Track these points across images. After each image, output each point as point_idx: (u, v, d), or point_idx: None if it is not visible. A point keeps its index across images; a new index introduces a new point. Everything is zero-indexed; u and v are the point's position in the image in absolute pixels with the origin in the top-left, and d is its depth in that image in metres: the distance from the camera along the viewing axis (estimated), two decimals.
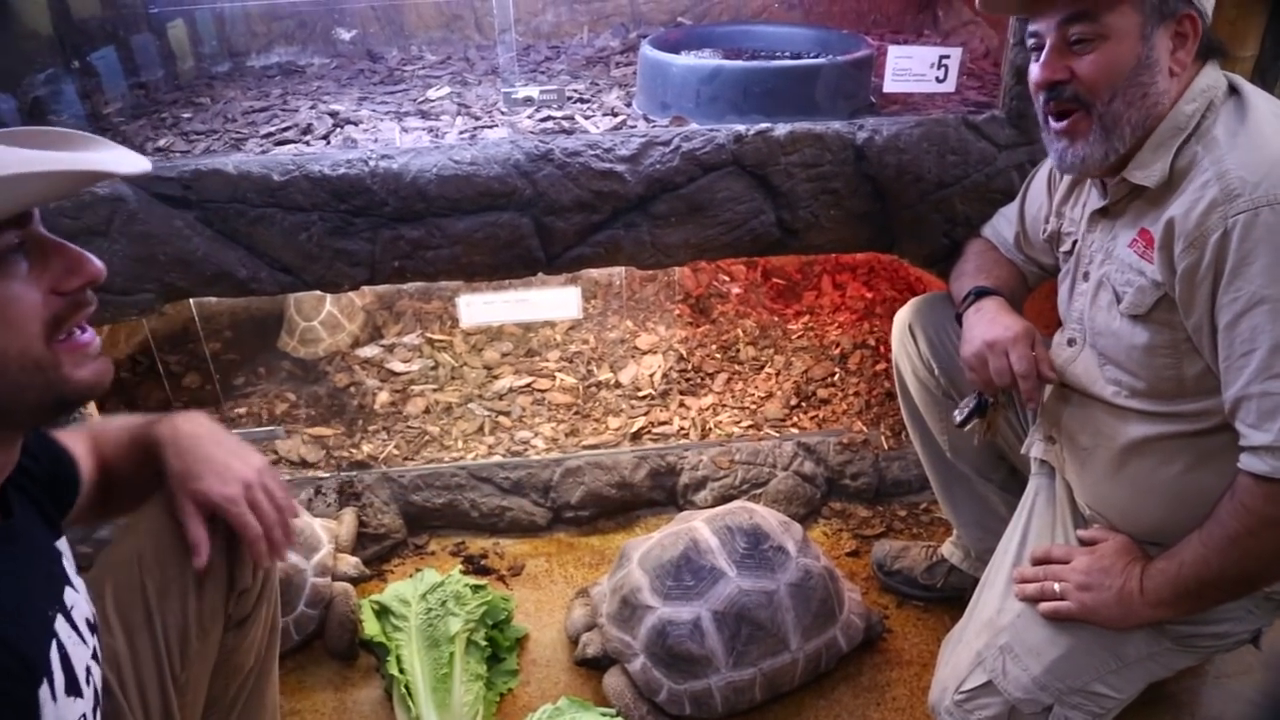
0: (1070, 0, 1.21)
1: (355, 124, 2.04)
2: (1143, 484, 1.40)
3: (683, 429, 2.37)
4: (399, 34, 2.74)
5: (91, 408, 2.01)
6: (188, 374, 2.60)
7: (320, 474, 2.23)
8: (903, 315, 1.87)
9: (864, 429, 2.33)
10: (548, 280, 1.99)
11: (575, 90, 2.23)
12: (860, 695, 1.77)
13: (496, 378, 2.57)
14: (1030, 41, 1.32)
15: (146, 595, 1.15)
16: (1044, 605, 1.43)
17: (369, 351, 2.68)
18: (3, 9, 2.33)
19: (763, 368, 2.58)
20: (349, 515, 2.07)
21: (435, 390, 2.53)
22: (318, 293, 2.54)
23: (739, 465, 2.21)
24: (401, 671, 1.67)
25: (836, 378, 2.50)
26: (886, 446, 2.29)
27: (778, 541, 1.73)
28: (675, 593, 1.67)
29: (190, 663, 1.19)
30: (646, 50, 2.01)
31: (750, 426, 2.37)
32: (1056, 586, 1.43)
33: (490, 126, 1.98)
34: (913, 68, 1.84)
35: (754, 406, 2.44)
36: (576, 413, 2.44)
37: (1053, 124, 1.31)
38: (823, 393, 2.47)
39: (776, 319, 2.75)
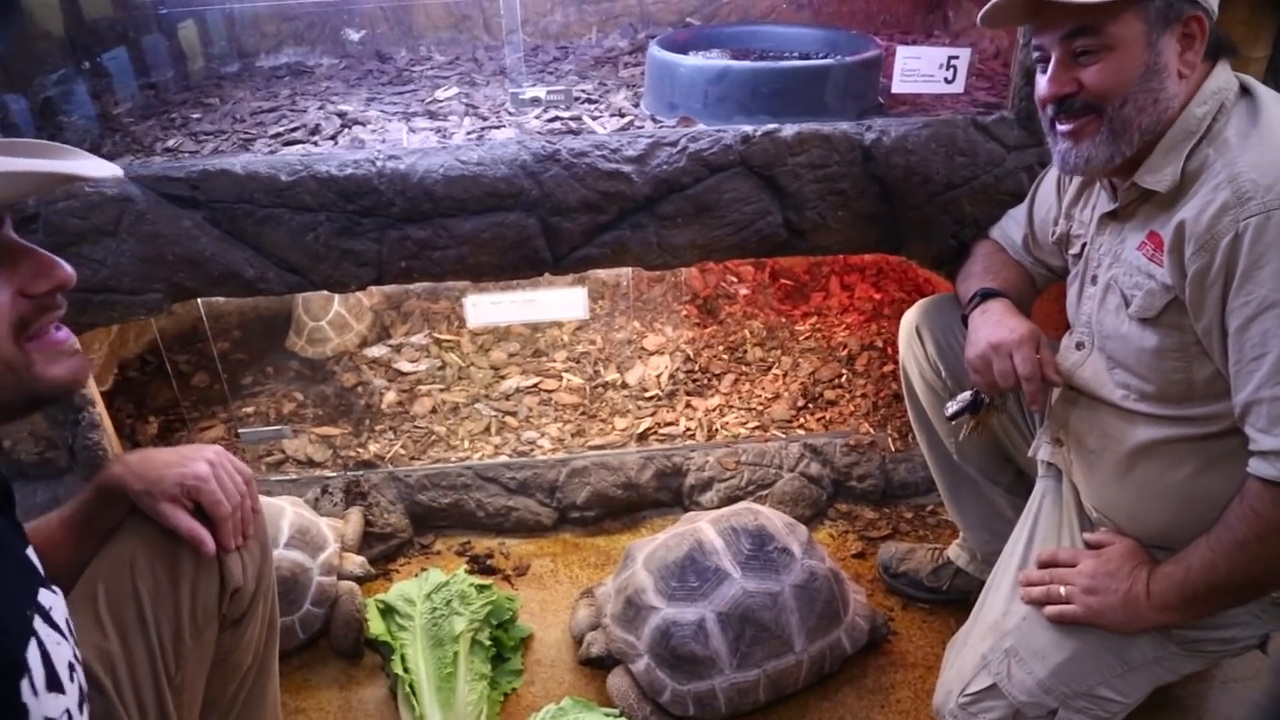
0: (1072, 15, 1.21)
1: (363, 124, 2.04)
2: (1150, 487, 1.39)
3: (689, 430, 2.37)
4: (408, 35, 2.74)
5: (105, 419, 2.02)
6: (196, 373, 2.61)
7: (327, 473, 2.24)
8: (910, 317, 1.86)
9: (871, 431, 2.32)
10: (554, 281, 1.99)
11: (583, 91, 2.23)
12: (864, 697, 1.77)
13: (503, 378, 2.58)
14: (1035, 55, 1.31)
15: (139, 596, 1.15)
16: (1049, 609, 1.42)
17: (376, 351, 2.68)
18: (16, 10, 2.35)
19: (770, 369, 2.57)
20: (355, 514, 2.08)
21: (442, 390, 2.53)
22: (326, 293, 2.56)
23: (745, 466, 2.21)
24: (406, 670, 1.67)
25: (844, 379, 2.50)
26: (893, 448, 2.28)
27: (782, 543, 1.73)
28: (680, 594, 1.67)
29: (185, 662, 1.19)
30: (654, 51, 2.01)
31: (757, 428, 2.37)
32: (1062, 590, 1.42)
33: (498, 127, 1.98)
34: (921, 68, 1.84)
35: (761, 408, 2.43)
36: (583, 413, 2.45)
37: (1059, 127, 1.31)
38: (830, 394, 2.46)
39: (784, 320, 2.75)
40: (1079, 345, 1.48)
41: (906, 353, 1.86)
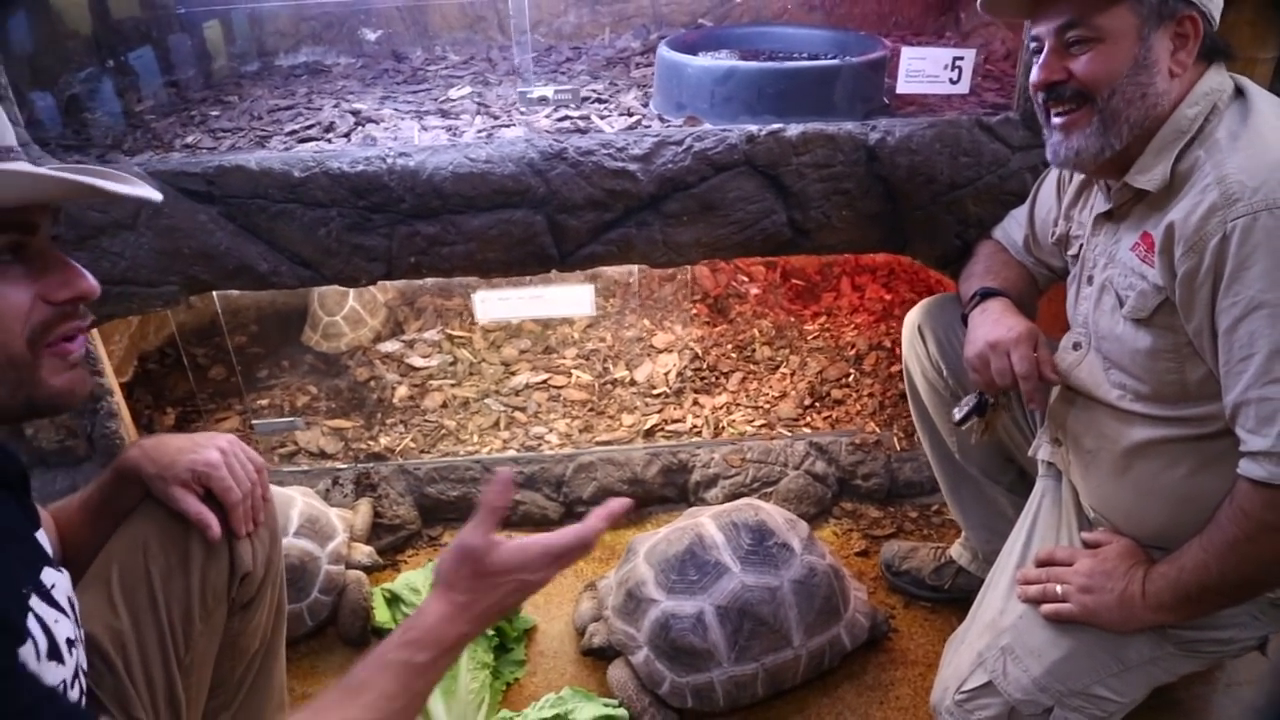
0: (1066, 5, 1.22)
1: (376, 122, 2.08)
2: (1146, 487, 1.39)
3: (695, 427, 2.39)
4: (424, 34, 2.78)
5: (123, 408, 2.07)
6: (213, 366, 2.66)
7: (338, 465, 2.28)
8: (913, 316, 1.87)
9: (877, 430, 2.33)
10: (563, 277, 2.03)
11: (594, 90, 2.26)
12: (864, 694, 1.78)
13: (514, 374, 2.61)
14: (1032, 45, 1.32)
15: (151, 578, 1.18)
16: (1045, 607, 1.42)
17: (390, 346, 2.72)
18: (46, 10, 2.41)
19: (778, 368, 2.59)
20: (364, 505, 2.11)
21: (453, 385, 2.57)
22: (341, 289, 2.61)
23: (750, 463, 2.23)
24: None
25: (851, 379, 2.51)
26: (899, 448, 2.29)
27: (782, 538, 1.74)
28: (679, 587, 1.69)
29: (194, 644, 1.22)
30: (663, 51, 2.03)
31: (763, 426, 2.39)
32: (1058, 588, 1.42)
33: (508, 126, 2.01)
34: (926, 69, 1.85)
35: (768, 406, 2.45)
36: (591, 409, 2.47)
37: (1053, 119, 1.32)
38: (837, 393, 2.47)
39: (793, 319, 2.76)
40: (1076, 345, 1.49)
41: (909, 352, 1.87)
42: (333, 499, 2.15)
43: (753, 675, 1.65)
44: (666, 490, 2.28)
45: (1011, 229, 1.77)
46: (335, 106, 2.19)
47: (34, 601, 0.93)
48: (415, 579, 1.86)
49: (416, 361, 2.66)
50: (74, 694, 0.99)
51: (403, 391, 2.53)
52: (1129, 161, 1.29)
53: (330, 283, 1.90)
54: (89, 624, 1.15)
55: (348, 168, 1.78)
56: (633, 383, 2.54)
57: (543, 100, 1.99)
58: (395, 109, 2.18)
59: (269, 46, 2.70)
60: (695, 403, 2.47)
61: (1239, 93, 1.26)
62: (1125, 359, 1.36)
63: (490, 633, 1.79)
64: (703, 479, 2.25)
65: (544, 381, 2.56)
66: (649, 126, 1.94)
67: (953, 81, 1.86)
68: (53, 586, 0.98)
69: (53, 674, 0.92)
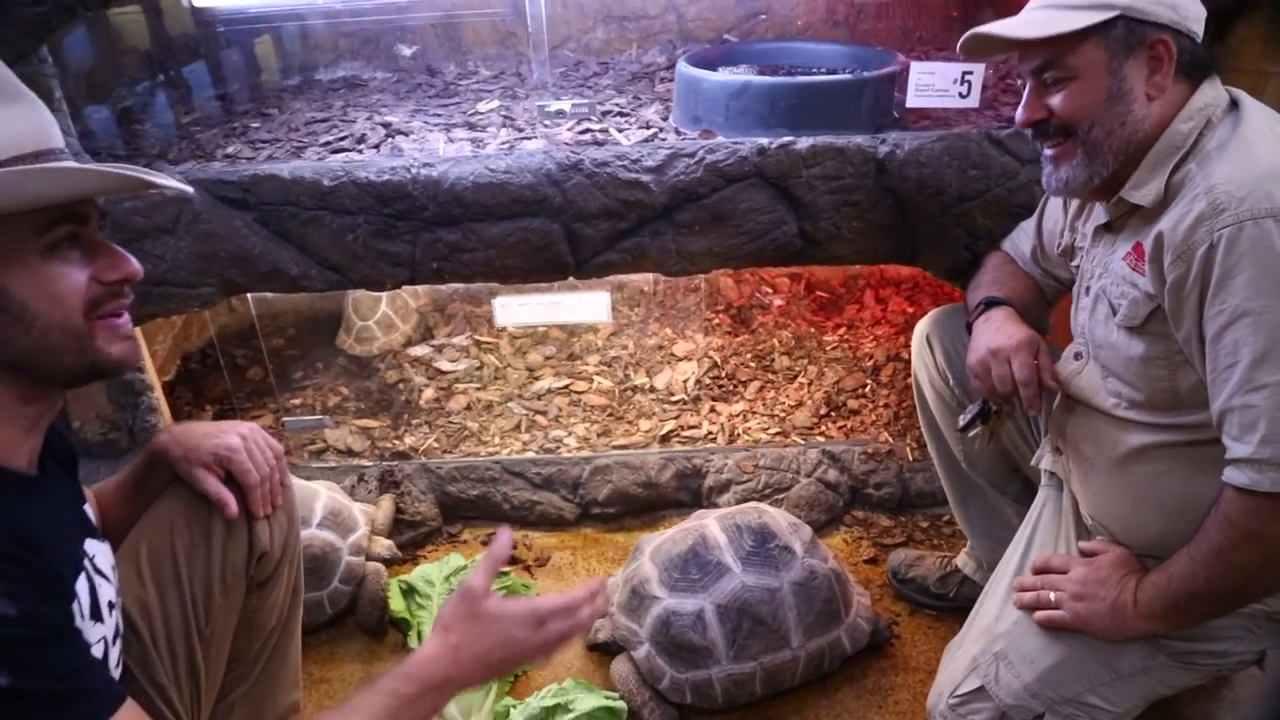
0: (1039, 49, 1.27)
1: (406, 134, 2.17)
2: (1142, 495, 1.41)
3: (711, 433, 2.43)
4: (457, 50, 2.88)
5: (162, 403, 2.18)
6: (251, 367, 2.77)
7: (364, 462, 2.37)
8: (921, 326, 1.90)
9: (890, 440, 2.35)
10: (582, 284, 2.09)
11: (617, 104, 2.32)
12: (863, 697, 1.80)
13: (537, 379, 2.68)
14: (1019, 81, 1.37)
15: (175, 554, 1.27)
16: (1039, 613, 1.44)
17: (419, 351, 2.81)
18: (106, 28, 2.55)
19: (796, 377, 2.62)
20: (386, 501, 2.19)
21: (478, 389, 2.65)
22: (374, 294, 2.71)
23: (762, 470, 2.26)
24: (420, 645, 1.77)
25: (868, 389, 2.54)
26: (911, 458, 2.31)
27: (784, 541, 1.78)
28: (681, 585, 1.74)
29: (214, 617, 1.31)
30: (681, 67, 2.09)
31: (778, 433, 2.42)
32: (1052, 595, 1.44)
33: (531, 138, 2.08)
34: (935, 83, 1.88)
35: (783, 414, 2.49)
36: (610, 414, 2.53)
37: (1044, 150, 1.36)
38: (853, 403, 2.50)
39: (813, 330, 2.79)
40: (1077, 355, 1.51)
41: (918, 361, 1.90)
42: (357, 495, 2.24)
43: (751, 674, 1.69)
44: (680, 494, 2.32)
45: (1020, 240, 1.79)
46: (368, 119, 2.28)
47: (87, 565, 1.04)
48: (430, 572, 1.93)
49: (444, 365, 2.75)
50: (115, 651, 1.10)
51: (429, 394, 2.62)
52: (1123, 179, 1.32)
53: (357, 286, 1.99)
54: (121, 597, 1.24)
55: (374, 177, 1.87)
56: (652, 389, 2.60)
57: (560, 113, 2.06)
58: (425, 122, 2.26)
59: (310, 61, 2.82)
60: (712, 410, 2.51)
61: (1234, 105, 1.28)
62: (1120, 367, 1.38)
63: None
64: (715, 484, 2.29)
65: (566, 386, 2.63)
66: (665, 139, 2.00)
67: (962, 96, 1.89)
68: (95, 555, 1.09)
69: (94, 632, 1.02)
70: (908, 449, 2.32)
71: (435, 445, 2.43)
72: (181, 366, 2.75)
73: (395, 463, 2.34)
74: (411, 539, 2.22)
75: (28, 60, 1.70)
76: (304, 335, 2.93)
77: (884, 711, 1.78)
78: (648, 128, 2.09)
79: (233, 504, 1.29)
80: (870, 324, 2.85)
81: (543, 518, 2.30)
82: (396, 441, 2.44)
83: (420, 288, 2.99)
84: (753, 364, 2.68)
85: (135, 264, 1.05)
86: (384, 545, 2.08)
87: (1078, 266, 1.56)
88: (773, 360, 2.68)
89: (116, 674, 1.11)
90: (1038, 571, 1.51)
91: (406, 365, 2.75)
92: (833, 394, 2.53)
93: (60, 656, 0.89)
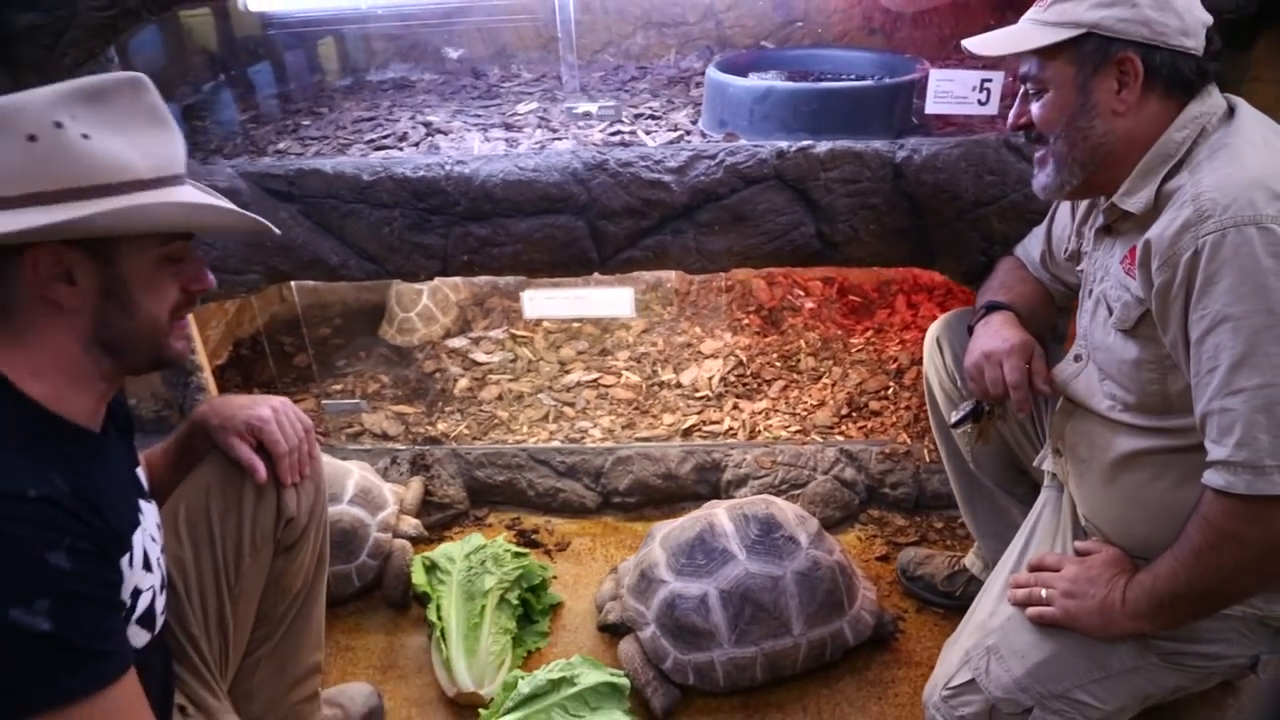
0: (1019, 60, 1.36)
1: (445, 134, 2.27)
2: (1133, 498, 1.44)
3: (732, 429, 2.49)
4: (501, 54, 2.98)
5: (210, 383, 2.32)
6: (298, 354, 2.91)
7: (398, 446, 2.48)
8: (933, 329, 1.94)
9: (909, 441, 2.38)
10: (606, 280, 2.16)
11: (650, 108, 2.40)
12: (863, 688, 1.85)
13: (568, 372, 2.76)
14: (1013, 82, 1.43)
15: (210, 516, 1.39)
16: (1030, 610, 1.47)
17: (457, 342, 2.92)
18: (177, 29, 2.71)
19: (820, 378, 2.66)
20: (416, 483, 2.30)
21: (511, 380, 2.74)
22: (416, 287, 2.83)
23: (780, 466, 2.32)
24: (439, 618, 1.87)
25: (890, 392, 2.57)
26: (929, 459, 2.33)
27: (790, 532, 1.83)
28: (687, 570, 1.80)
29: (243, 576, 1.42)
30: (710, 72, 2.16)
31: (798, 431, 2.47)
32: (1044, 593, 1.47)
33: (564, 139, 2.17)
34: (954, 90, 1.92)
35: (805, 413, 2.53)
36: (636, 408, 2.60)
37: (1035, 153, 1.42)
38: (875, 405, 2.53)
39: (840, 333, 2.83)
40: (1077, 357, 1.54)
41: (928, 363, 1.94)
42: (390, 476, 2.35)
43: (752, 659, 1.75)
44: (699, 487, 2.38)
45: (1031, 246, 1.82)
46: (411, 119, 2.39)
47: (140, 519, 1.17)
48: (452, 550, 2.02)
49: (480, 357, 2.85)
50: (161, 599, 1.22)
51: (463, 383, 2.72)
52: (1112, 185, 1.35)
53: (392, 277, 2.10)
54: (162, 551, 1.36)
55: (410, 173, 1.97)
56: (678, 385, 2.66)
57: (586, 115, 2.14)
58: (464, 122, 2.37)
59: (362, 63, 2.95)
60: (735, 407, 2.57)
61: (1231, 113, 1.30)
62: (1114, 369, 1.41)
63: (515, 602, 1.94)
64: (734, 478, 2.35)
65: (595, 380, 2.71)
66: (689, 141, 2.07)
67: (981, 103, 1.92)
68: (145, 513, 1.22)
69: (145, 580, 1.14)
70: (925, 451, 2.35)
71: (466, 432, 2.53)
72: (233, 351, 2.90)
73: (427, 447, 2.44)
74: (439, 520, 2.32)
75: (96, 60, 1.84)
76: (349, 325, 3.06)
77: (883, 703, 1.82)
78: (675, 130, 2.16)
79: (261, 470, 1.40)
80: (899, 328, 2.88)
81: (565, 505, 2.39)
82: (429, 427, 2.55)
83: (461, 283, 3.10)
84: (778, 364, 2.73)
85: (212, 278, 1.21)
86: (411, 524, 2.18)
87: (1083, 270, 1.58)
88: (798, 361, 2.73)
89: (161, 620, 1.23)
90: (1032, 569, 1.54)
91: (444, 356, 2.86)
92: (855, 395, 2.57)
93: (99, 617, 0.99)
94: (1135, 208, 1.32)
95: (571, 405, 2.62)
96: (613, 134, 2.17)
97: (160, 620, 1.22)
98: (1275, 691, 1.58)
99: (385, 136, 2.26)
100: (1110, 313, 1.39)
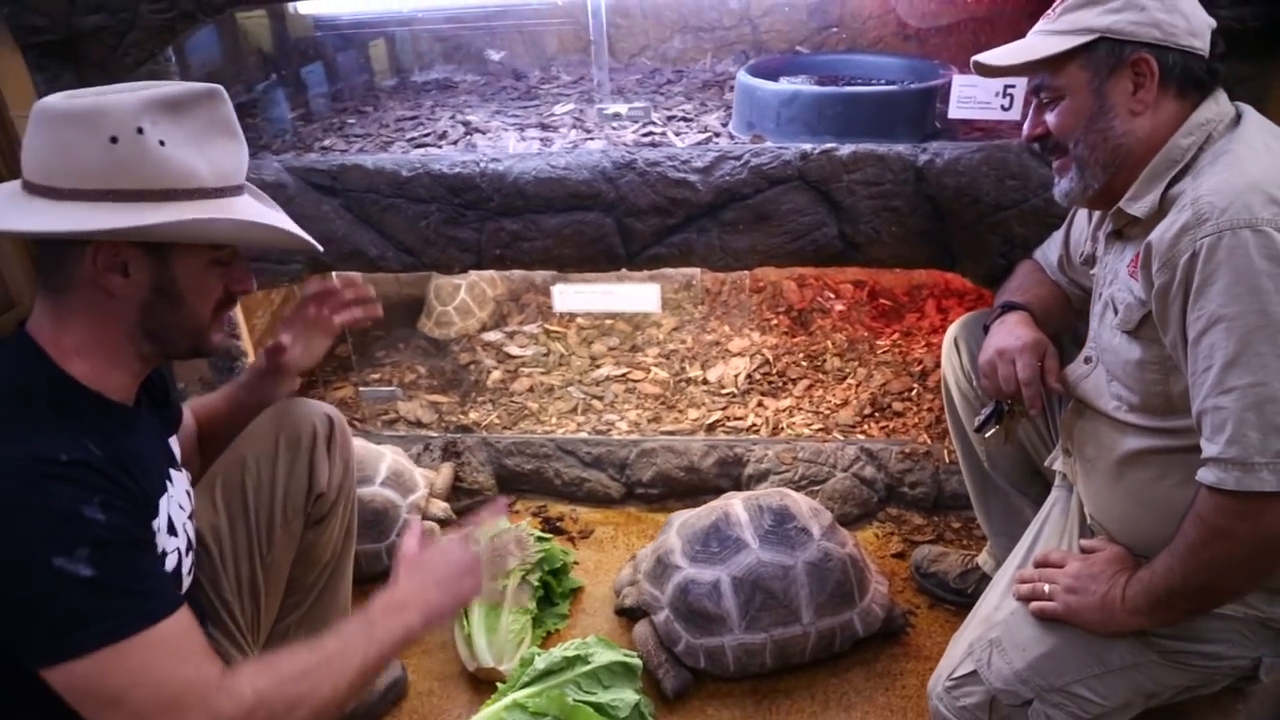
0: (1030, 72, 1.38)
1: (483, 133, 2.35)
2: (1136, 497, 1.46)
3: (755, 425, 2.54)
4: (542, 56, 3.07)
5: None
6: (339, 344, 3.02)
7: (430, 433, 2.57)
8: (952, 330, 1.97)
9: (929, 442, 2.41)
10: (634, 276, 2.23)
11: (683, 110, 2.46)
12: (872, 679, 1.88)
13: (598, 366, 2.84)
14: (1028, 96, 1.46)
15: (245, 488, 1.49)
16: (1033, 604, 1.50)
17: (492, 336, 3.01)
18: (233, 30, 2.84)
19: (845, 378, 2.70)
20: (446, 468, 2.38)
21: (543, 373, 2.82)
22: (454, 282, 2.92)
23: (801, 462, 2.36)
24: None
25: (914, 393, 2.60)
26: (948, 460, 2.36)
27: (802, 523, 1.88)
28: (701, 556, 1.86)
29: (275, 546, 1.51)
30: (740, 75, 2.21)
31: (820, 429, 2.51)
32: (1046, 588, 1.50)
33: (597, 139, 2.24)
34: (977, 95, 1.95)
35: (828, 412, 2.57)
36: (662, 403, 2.67)
37: (1053, 162, 1.45)
38: (898, 405, 2.57)
39: (866, 334, 2.86)
40: (1087, 359, 1.56)
41: (946, 363, 1.97)
42: (422, 462, 2.44)
43: (761, 645, 1.80)
44: (721, 481, 2.44)
45: (1049, 250, 1.84)
46: (451, 118, 2.48)
47: (168, 486, 1.26)
48: (477, 532, 2.09)
49: (513, 350, 2.94)
50: (187, 561, 1.30)
51: (496, 375, 2.81)
52: (1122, 190, 1.38)
53: (428, 269, 2.18)
54: (196, 520, 1.45)
55: (446, 169, 2.06)
56: (705, 382, 2.72)
57: (616, 116, 2.21)
58: (502, 121, 2.45)
59: (407, 64, 3.06)
60: (759, 404, 2.62)
61: (1238, 120, 1.33)
62: (1120, 370, 1.44)
63: (535, 584, 2.01)
64: (755, 473, 2.39)
65: (624, 375, 2.78)
66: (717, 143, 2.13)
67: (1004, 108, 1.95)
68: (174, 480, 1.30)
69: (170, 543, 1.23)
70: (945, 451, 2.37)
71: (496, 421, 2.61)
72: None
73: (458, 435, 2.53)
74: (468, 505, 2.40)
75: (155, 60, 1.95)
76: (389, 318, 3.15)
77: (891, 694, 1.85)
78: (705, 132, 2.22)
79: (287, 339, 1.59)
80: (927, 332, 2.90)
81: (590, 494, 2.46)
82: (461, 416, 2.64)
83: (498, 279, 3.19)
84: (804, 363, 2.77)
85: (254, 283, 1.31)
86: (440, 507, 2.27)
87: (1095, 274, 1.61)
88: (824, 361, 2.77)
89: (187, 581, 1.32)
90: (1037, 565, 1.56)
91: (479, 349, 2.95)
92: (879, 395, 2.60)
93: (135, 561, 1.07)
94: (1140, 212, 1.34)
95: (600, 399, 2.69)
96: (644, 135, 2.23)
97: (186, 581, 1.31)
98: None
99: (426, 135, 2.35)
100: (1116, 314, 1.42)
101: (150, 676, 1.01)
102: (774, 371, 2.73)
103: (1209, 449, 1.23)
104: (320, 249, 1.34)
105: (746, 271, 3.11)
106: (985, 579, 2.01)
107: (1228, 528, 1.23)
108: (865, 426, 2.52)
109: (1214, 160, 1.28)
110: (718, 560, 1.84)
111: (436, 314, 3.05)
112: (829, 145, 1.97)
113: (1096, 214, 1.64)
